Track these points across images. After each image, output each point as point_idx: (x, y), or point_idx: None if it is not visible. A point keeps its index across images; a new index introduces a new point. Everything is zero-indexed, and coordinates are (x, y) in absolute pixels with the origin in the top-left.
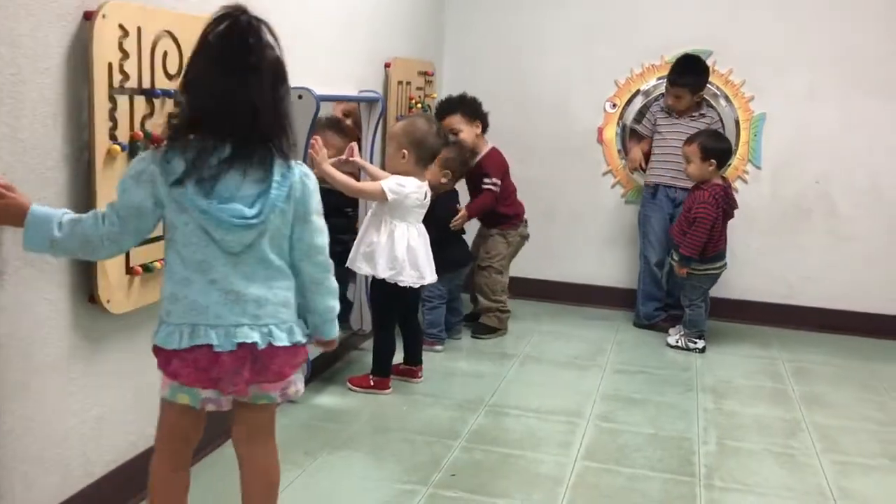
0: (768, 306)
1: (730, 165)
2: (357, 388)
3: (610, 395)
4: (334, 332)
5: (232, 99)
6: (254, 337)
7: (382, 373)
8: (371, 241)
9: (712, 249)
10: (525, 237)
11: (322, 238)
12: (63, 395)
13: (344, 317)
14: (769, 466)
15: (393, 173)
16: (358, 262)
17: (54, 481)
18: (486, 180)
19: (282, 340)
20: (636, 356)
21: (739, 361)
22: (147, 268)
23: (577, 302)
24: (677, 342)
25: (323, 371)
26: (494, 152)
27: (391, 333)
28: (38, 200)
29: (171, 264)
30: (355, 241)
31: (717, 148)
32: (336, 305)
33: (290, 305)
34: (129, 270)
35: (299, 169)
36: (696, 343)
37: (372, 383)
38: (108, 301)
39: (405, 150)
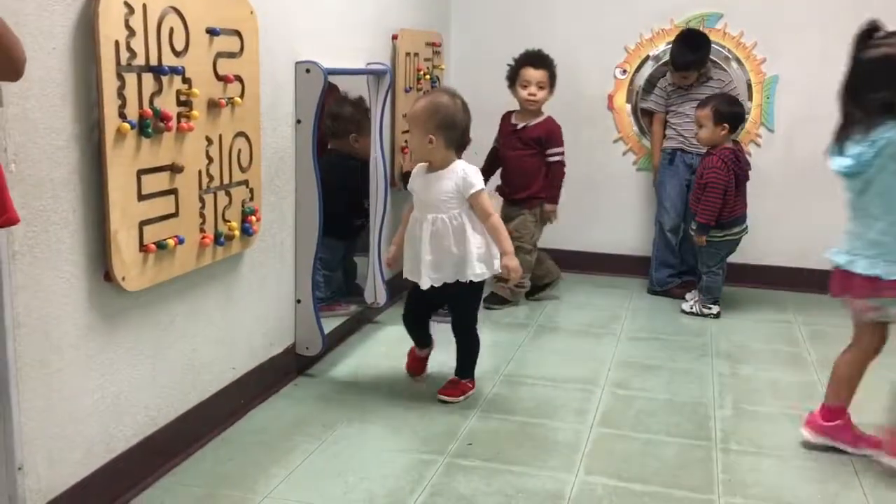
0: (783, 270)
1: (742, 129)
2: (458, 398)
3: (625, 363)
4: None
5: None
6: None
7: (472, 373)
8: (481, 242)
9: (728, 214)
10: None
11: None
12: (82, 372)
13: (357, 290)
14: (786, 429)
15: (421, 161)
16: (476, 270)
17: (77, 457)
18: (553, 150)
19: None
20: (650, 323)
21: (755, 326)
22: (161, 245)
23: (591, 270)
24: (692, 308)
25: (338, 344)
26: (554, 121)
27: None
28: (51, 181)
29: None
30: (440, 253)
31: (729, 112)
32: None
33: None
34: (143, 248)
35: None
36: (710, 309)
37: (471, 386)
38: (124, 278)
39: (432, 136)
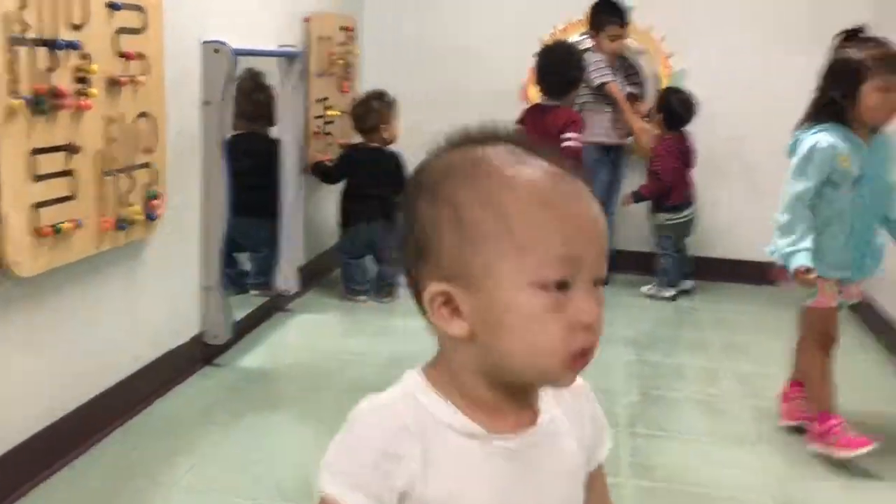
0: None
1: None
2: None
3: None
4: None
5: None
6: None
7: None
8: None
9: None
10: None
11: None
12: None
13: (266, 278)
14: (692, 413)
15: None
16: None
17: None
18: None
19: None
20: None
21: (660, 314)
22: (57, 228)
23: None
24: (648, 291)
25: (247, 333)
26: None
27: None
28: None
29: None
30: None
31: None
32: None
33: None
34: (37, 231)
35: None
36: (665, 292)
37: None
38: (15, 263)
39: None
